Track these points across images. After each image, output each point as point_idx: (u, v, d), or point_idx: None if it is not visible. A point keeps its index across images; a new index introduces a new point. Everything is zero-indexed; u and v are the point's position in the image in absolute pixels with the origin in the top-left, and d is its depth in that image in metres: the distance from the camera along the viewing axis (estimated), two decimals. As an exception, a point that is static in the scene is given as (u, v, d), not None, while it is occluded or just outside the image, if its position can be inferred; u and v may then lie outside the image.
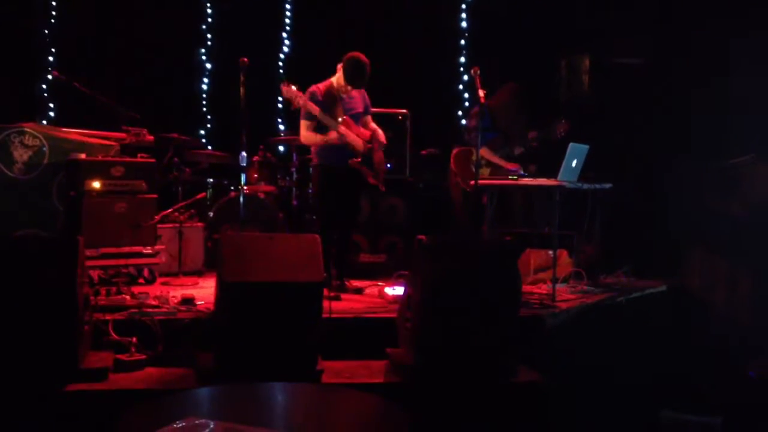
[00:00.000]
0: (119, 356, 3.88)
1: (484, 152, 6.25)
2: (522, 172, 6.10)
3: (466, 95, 8.48)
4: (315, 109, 5.33)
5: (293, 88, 5.29)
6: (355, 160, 5.50)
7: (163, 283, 5.61)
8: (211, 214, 6.59)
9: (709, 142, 6.87)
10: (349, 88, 5.46)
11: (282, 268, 3.75)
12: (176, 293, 4.88)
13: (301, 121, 5.51)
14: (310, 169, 5.80)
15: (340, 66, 5.47)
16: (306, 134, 5.49)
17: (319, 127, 5.45)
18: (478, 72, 5.39)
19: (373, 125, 5.75)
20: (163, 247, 5.55)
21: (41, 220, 5.34)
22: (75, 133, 5.64)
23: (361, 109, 5.65)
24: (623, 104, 7.31)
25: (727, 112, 6.85)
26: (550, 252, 5.77)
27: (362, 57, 5.39)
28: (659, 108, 7.11)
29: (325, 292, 4.02)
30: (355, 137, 5.51)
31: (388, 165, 6.69)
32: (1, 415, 3.41)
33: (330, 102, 5.44)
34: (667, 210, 6.95)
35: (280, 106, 8.33)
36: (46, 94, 7.68)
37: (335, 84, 5.51)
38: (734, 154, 6.78)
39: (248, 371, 3.58)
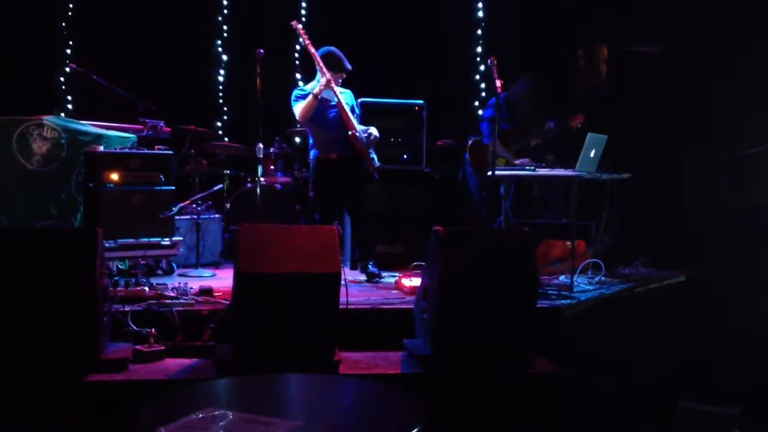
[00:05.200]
0: (138, 347, 3.90)
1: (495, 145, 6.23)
2: (529, 166, 6.06)
3: (483, 85, 8.44)
4: (316, 56, 5.53)
5: (300, 27, 5.60)
6: (353, 132, 5.58)
7: (181, 275, 5.65)
8: (228, 205, 6.61)
9: (727, 132, 6.82)
10: (336, 81, 5.60)
11: (299, 259, 3.76)
12: (194, 284, 4.91)
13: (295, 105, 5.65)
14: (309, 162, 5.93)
15: (321, 67, 5.57)
16: (297, 108, 5.62)
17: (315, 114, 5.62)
18: (495, 62, 5.37)
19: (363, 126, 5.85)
20: (180, 238, 5.58)
21: (60, 212, 5.37)
22: (93, 125, 5.66)
23: (348, 105, 5.74)
24: (642, 93, 7.26)
25: (745, 100, 6.79)
26: (568, 242, 5.74)
27: (331, 48, 5.72)
28: (678, 97, 7.06)
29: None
30: (350, 116, 5.60)
31: (405, 156, 6.72)
32: (21, 406, 3.45)
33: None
34: (685, 200, 6.91)
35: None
36: (64, 87, 7.72)
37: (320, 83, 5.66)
38: (753, 143, 6.72)
39: (266, 362, 3.59)
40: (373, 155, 5.76)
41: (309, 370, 3.18)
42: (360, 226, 5.95)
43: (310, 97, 5.53)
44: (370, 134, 5.71)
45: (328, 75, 5.50)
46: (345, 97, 5.73)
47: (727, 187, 6.70)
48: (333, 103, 5.64)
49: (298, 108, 5.61)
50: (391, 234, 6.68)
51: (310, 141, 5.87)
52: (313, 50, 5.55)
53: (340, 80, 5.72)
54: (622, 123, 6.88)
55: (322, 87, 5.50)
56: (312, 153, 5.84)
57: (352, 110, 5.79)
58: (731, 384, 6.08)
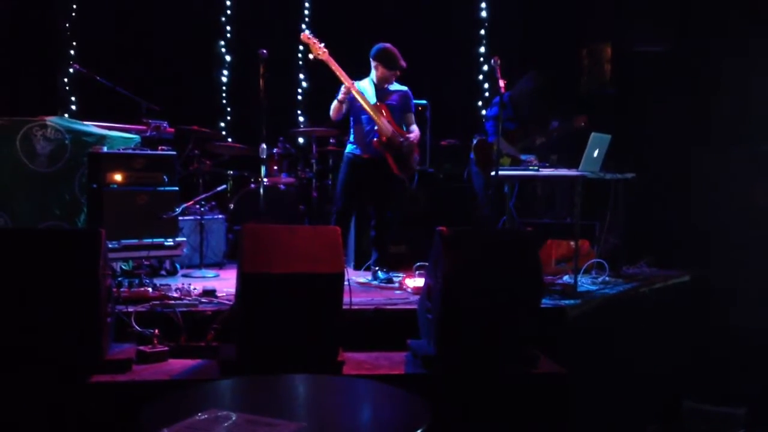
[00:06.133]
0: (142, 348, 3.90)
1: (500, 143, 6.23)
2: (533, 165, 6.06)
3: (486, 85, 8.44)
4: (332, 62, 5.43)
5: (311, 39, 5.45)
6: (380, 139, 5.55)
7: (185, 275, 5.66)
8: (232, 206, 6.62)
9: (731, 131, 6.80)
10: (390, 78, 5.64)
11: (302, 259, 3.75)
12: (198, 285, 4.90)
13: None
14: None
15: (374, 64, 5.62)
16: (332, 105, 5.62)
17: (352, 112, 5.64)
18: (499, 62, 5.37)
19: (414, 127, 5.79)
20: (184, 239, 5.57)
21: (64, 213, 5.37)
22: (96, 125, 5.66)
23: (395, 103, 5.71)
24: (646, 92, 7.25)
25: (750, 99, 6.78)
26: (572, 242, 5.74)
27: (387, 44, 5.66)
28: (682, 96, 7.04)
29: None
30: (383, 121, 5.57)
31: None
32: (25, 406, 3.45)
33: (366, 90, 5.61)
34: (690, 199, 6.90)
35: (299, 97, 8.34)
36: (67, 88, 7.73)
37: (373, 79, 5.68)
38: (757, 142, 6.71)
39: (270, 363, 3.58)
40: (408, 162, 5.70)
41: (313, 370, 3.18)
42: (380, 230, 5.86)
43: (336, 102, 5.53)
44: (407, 138, 5.64)
45: (348, 83, 5.45)
46: (396, 96, 5.71)
47: (732, 186, 6.68)
48: (373, 104, 5.59)
49: (332, 106, 5.62)
50: (394, 234, 6.67)
51: (350, 137, 5.79)
52: (327, 58, 5.42)
53: (394, 78, 5.69)
54: (626, 122, 6.87)
55: (344, 95, 5.47)
56: (347, 147, 5.78)
57: (402, 109, 5.74)
58: (737, 384, 6.07)
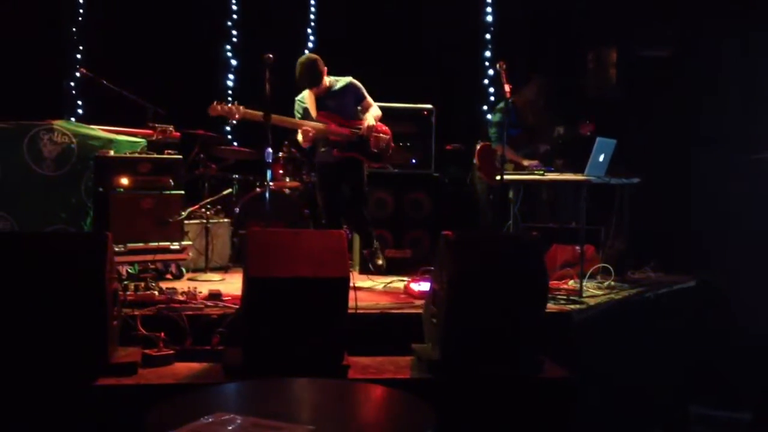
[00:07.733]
0: (148, 351, 3.90)
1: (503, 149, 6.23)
2: (538, 169, 6.05)
3: (491, 90, 8.44)
4: (257, 116, 5.36)
5: (222, 107, 5.36)
6: (334, 152, 5.67)
7: (190, 279, 5.67)
8: (237, 210, 6.63)
9: (737, 135, 6.79)
10: (317, 90, 5.66)
11: (307, 263, 3.75)
12: (203, 289, 4.91)
13: None
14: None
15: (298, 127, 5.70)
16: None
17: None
18: (504, 66, 5.36)
19: (372, 109, 5.79)
20: (189, 242, 5.59)
21: (70, 217, 5.39)
22: (103, 129, 5.69)
23: (339, 103, 5.73)
24: (651, 97, 7.24)
25: (755, 104, 6.77)
26: (577, 247, 5.73)
27: (302, 59, 5.65)
28: (687, 101, 7.04)
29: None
30: (332, 128, 5.64)
31: (413, 160, 6.70)
32: (31, 409, 3.45)
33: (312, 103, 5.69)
34: (694, 204, 6.88)
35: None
36: (74, 92, 7.76)
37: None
38: (762, 147, 6.70)
39: (275, 367, 3.59)
40: (378, 149, 5.74)
41: (318, 374, 3.18)
42: (357, 219, 5.94)
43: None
44: (360, 129, 5.69)
45: (308, 130, 5.58)
46: (339, 96, 5.69)
47: (737, 191, 6.67)
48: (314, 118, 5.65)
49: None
50: (399, 238, 6.68)
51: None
52: (253, 114, 5.35)
53: (322, 85, 5.68)
54: (632, 127, 6.86)
55: (307, 142, 5.66)
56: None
57: (353, 102, 5.75)
58: (743, 389, 6.05)
